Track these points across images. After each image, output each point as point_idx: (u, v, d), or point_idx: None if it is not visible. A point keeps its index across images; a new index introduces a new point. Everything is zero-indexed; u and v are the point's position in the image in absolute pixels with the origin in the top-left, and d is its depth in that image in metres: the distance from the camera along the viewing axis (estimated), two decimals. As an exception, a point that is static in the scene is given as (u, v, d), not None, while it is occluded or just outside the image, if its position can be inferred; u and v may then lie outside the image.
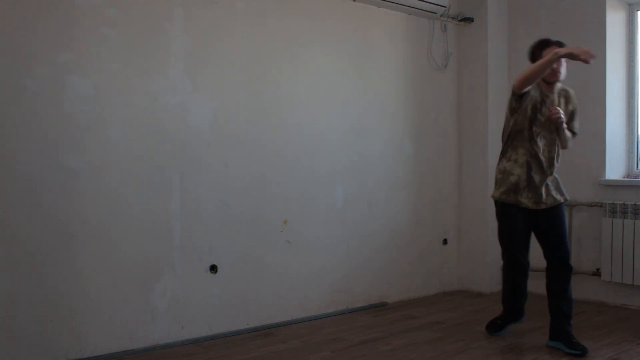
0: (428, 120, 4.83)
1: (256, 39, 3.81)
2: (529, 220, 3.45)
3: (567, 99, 3.45)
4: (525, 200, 3.38)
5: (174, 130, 3.49)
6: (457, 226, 5.04)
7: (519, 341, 3.56)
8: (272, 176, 3.90)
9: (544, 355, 3.29)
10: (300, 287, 4.05)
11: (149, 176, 3.40)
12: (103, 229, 3.24)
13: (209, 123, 3.62)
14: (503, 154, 3.49)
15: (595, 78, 4.37)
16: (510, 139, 3.42)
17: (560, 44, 3.27)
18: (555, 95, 3.39)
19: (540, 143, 3.36)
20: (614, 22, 4.48)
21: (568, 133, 3.42)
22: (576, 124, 3.48)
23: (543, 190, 3.39)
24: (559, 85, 3.41)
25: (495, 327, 3.69)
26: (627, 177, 4.54)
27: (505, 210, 3.46)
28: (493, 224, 3.95)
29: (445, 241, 4.97)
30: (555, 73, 3.28)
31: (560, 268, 3.39)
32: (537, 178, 3.37)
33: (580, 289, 4.44)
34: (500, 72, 4.90)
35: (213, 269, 3.64)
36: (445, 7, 4.67)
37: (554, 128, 3.36)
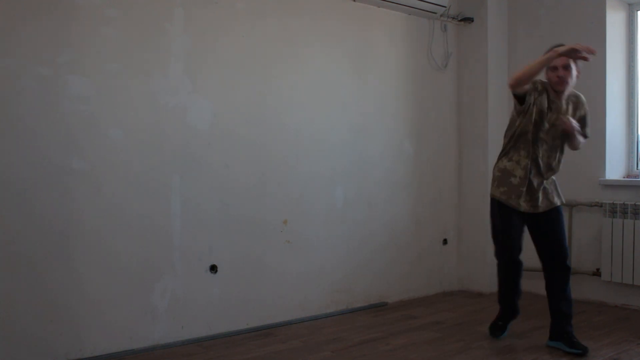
0: (428, 120, 4.83)
1: (256, 39, 3.81)
2: (523, 220, 3.44)
3: (577, 104, 3.38)
4: (524, 204, 3.37)
5: (174, 130, 3.49)
6: (457, 226, 5.04)
7: (519, 341, 3.56)
8: (272, 176, 3.90)
9: (544, 355, 3.29)
10: (300, 287, 4.05)
11: (149, 176, 3.40)
12: (103, 229, 3.24)
13: (209, 123, 3.62)
14: (505, 153, 3.46)
15: (595, 78, 4.37)
16: (514, 139, 3.39)
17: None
18: (563, 102, 3.32)
19: (542, 148, 3.33)
20: (614, 22, 4.49)
21: (580, 138, 3.38)
22: (588, 129, 3.42)
23: (540, 194, 3.37)
24: (568, 92, 3.33)
25: (498, 329, 3.65)
26: (627, 177, 4.54)
27: (503, 210, 3.44)
28: (493, 224, 3.94)
29: (445, 241, 4.97)
30: (562, 82, 3.23)
31: (558, 269, 3.38)
32: (535, 182, 3.35)
33: (580, 289, 4.44)
34: (500, 72, 4.89)
35: (213, 269, 3.64)
36: (445, 7, 4.67)
37: (557, 135, 3.32)
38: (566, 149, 3.43)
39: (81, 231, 3.17)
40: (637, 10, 4.59)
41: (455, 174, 5.03)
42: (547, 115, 3.30)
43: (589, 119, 3.44)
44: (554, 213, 3.39)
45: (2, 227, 2.95)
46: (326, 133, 4.18)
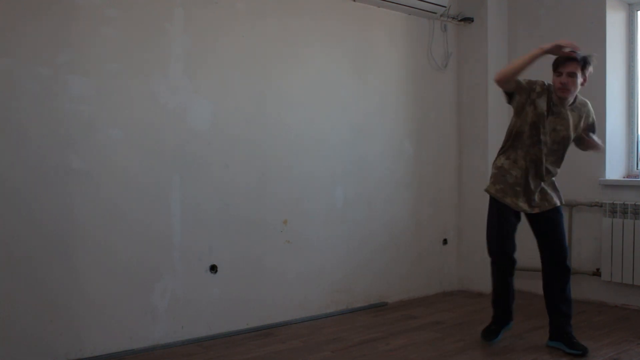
0: (428, 120, 4.83)
1: (256, 39, 3.81)
2: (518, 219, 3.42)
3: (583, 113, 3.33)
4: (521, 204, 3.34)
5: (174, 131, 3.49)
6: (457, 226, 5.04)
7: (519, 341, 3.56)
8: (272, 176, 3.90)
9: (544, 355, 3.29)
10: (300, 287, 4.05)
11: (149, 176, 3.40)
12: (103, 229, 3.24)
13: (209, 123, 3.62)
14: (503, 151, 3.44)
15: (595, 78, 4.36)
16: (511, 139, 3.38)
17: (575, 58, 3.16)
18: (568, 110, 3.28)
19: (542, 151, 3.28)
20: (614, 22, 4.49)
21: (596, 139, 3.40)
22: (594, 137, 3.41)
23: (537, 194, 3.34)
24: (572, 98, 3.29)
25: (491, 333, 3.53)
26: (627, 177, 4.54)
27: (497, 206, 3.41)
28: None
29: (445, 241, 4.97)
30: (564, 90, 3.18)
31: (558, 269, 3.37)
32: (532, 183, 3.33)
33: (580, 289, 4.44)
34: (500, 72, 4.89)
35: (213, 269, 3.64)
36: (445, 7, 4.67)
37: (559, 139, 3.29)
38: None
39: (81, 231, 3.17)
40: (637, 10, 4.59)
41: (455, 174, 5.03)
42: (547, 118, 3.26)
43: (595, 125, 3.43)
44: (553, 213, 3.37)
45: (2, 227, 2.95)
46: (326, 133, 4.18)
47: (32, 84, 3.02)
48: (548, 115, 3.27)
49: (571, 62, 3.16)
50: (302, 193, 4.06)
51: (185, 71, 3.52)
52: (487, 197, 3.50)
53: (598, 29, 4.42)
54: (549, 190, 3.38)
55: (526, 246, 3.78)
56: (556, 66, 3.21)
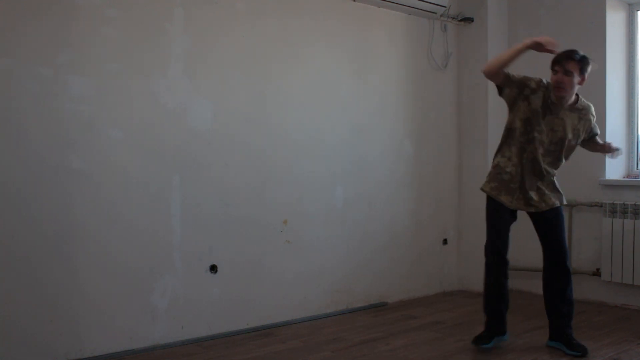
0: (428, 120, 4.83)
1: (256, 39, 3.81)
2: (513, 217, 3.40)
3: (582, 115, 3.30)
4: (516, 202, 3.32)
5: (174, 130, 3.49)
6: (457, 226, 5.04)
7: (519, 341, 3.55)
8: (272, 176, 3.90)
9: (543, 355, 3.29)
10: (300, 287, 4.05)
11: (149, 176, 3.40)
12: (103, 229, 3.24)
13: (208, 123, 3.62)
14: (499, 149, 3.41)
15: (595, 78, 4.37)
16: (505, 135, 3.37)
17: (572, 57, 3.15)
18: (567, 110, 3.25)
19: (539, 150, 3.25)
20: (614, 22, 4.48)
21: (599, 141, 3.41)
22: (597, 131, 3.40)
23: (534, 193, 3.31)
24: (572, 99, 3.26)
25: (482, 338, 3.40)
26: (627, 177, 4.54)
27: (492, 205, 3.38)
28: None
29: (445, 241, 4.97)
30: (559, 88, 3.17)
31: (558, 270, 3.34)
32: (529, 181, 3.30)
33: (580, 289, 4.44)
34: (500, 72, 4.89)
35: (213, 269, 3.64)
36: (445, 7, 4.67)
37: (557, 140, 3.26)
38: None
39: (81, 231, 3.17)
40: (637, 10, 4.59)
41: (455, 174, 5.03)
42: (543, 117, 3.24)
43: (596, 129, 3.40)
44: (552, 214, 3.34)
45: (2, 227, 2.95)
46: (326, 133, 4.18)
47: (32, 84, 3.02)
48: (546, 115, 3.25)
49: (568, 60, 3.15)
50: (302, 193, 4.05)
51: (185, 71, 3.52)
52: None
53: (598, 29, 4.42)
54: (547, 191, 3.34)
55: (526, 246, 3.78)
56: (553, 64, 3.20)
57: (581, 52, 3.20)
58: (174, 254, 3.49)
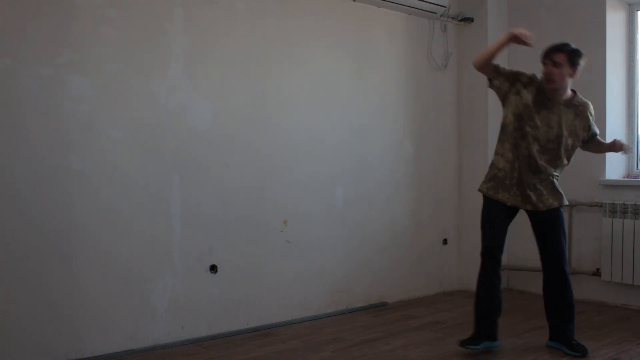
0: (428, 120, 4.83)
1: (256, 39, 3.81)
2: (510, 217, 3.37)
3: (578, 111, 3.27)
4: (513, 198, 3.27)
5: (174, 130, 3.49)
6: (457, 226, 5.04)
7: (519, 341, 3.55)
8: (272, 176, 3.90)
9: (543, 355, 3.29)
10: (300, 287, 4.05)
11: (149, 176, 3.40)
12: (103, 229, 3.24)
13: (208, 123, 3.62)
14: (495, 148, 3.40)
15: (595, 78, 4.37)
16: (500, 132, 3.36)
17: (561, 48, 3.16)
18: (561, 105, 3.23)
19: (533, 145, 3.21)
20: (614, 22, 4.49)
21: (602, 141, 3.41)
22: (596, 130, 3.37)
23: (532, 192, 3.26)
24: (569, 95, 3.24)
25: (469, 341, 3.29)
26: (627, 177, 4.54)
27: (488, 205, 3.35)
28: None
29: (445, 241, 4.97)
30: (548, 80, 3.15)
31: (555, 273, 3.31)
32: (525, 178, 3.25)
33: (580, 289, 4.43)
34: (500, 72, 4.89)
35: (213, 269, 3.64)
36: (445, 7, 4.67)
37: (553, 137, 3.22)
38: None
39: (81, 231, 3.17)
40: (637, 10, 4.59)
41: (455, 174, 5.03)
42: (537, 112, 3.21)
43: (594, 127, 3.37)
44: (551, 215, 3.29)
45: (2, 227, 2.95)
46: (326, 133, 4.18)
47: (32, 84, 3.02)
48: (541, 111, 3.22)
49: (556, 52, 3.15)
50: (302, 193, 4.05)
51: (185, 71, 3.52)
52: (487, 197, 3.49)
53: (598, 29, 4.42)
54: (546, 192, 3.28)
55: (526, 246, 3.78)
56: (543, 57, 3.20)
57: (574, 46, 3.19)
58: (174, 254, 3.49)
